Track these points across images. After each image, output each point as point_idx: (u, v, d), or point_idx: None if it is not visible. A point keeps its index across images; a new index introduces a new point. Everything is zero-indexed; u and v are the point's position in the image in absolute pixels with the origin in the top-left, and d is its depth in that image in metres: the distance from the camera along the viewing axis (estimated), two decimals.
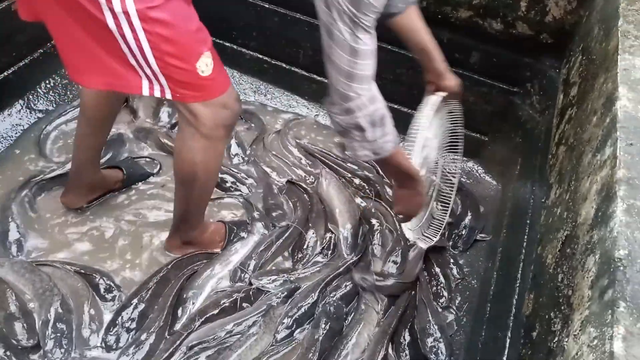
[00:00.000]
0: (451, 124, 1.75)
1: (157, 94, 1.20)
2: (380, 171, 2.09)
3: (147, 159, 2.00)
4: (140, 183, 1.91)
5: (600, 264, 0.81)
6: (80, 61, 1.21)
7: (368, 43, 1.12)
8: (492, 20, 1.85)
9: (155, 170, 1.97)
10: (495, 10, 1.82)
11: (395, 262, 1.80)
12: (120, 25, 1.07)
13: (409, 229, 1.69)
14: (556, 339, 0.86)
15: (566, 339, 0.82)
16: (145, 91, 1.20)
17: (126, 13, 1.05)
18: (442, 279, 1.77)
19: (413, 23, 1.49)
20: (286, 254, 1.79)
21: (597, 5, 1.58)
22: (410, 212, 1.57)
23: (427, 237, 1.74)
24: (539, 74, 1.91)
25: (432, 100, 1.58)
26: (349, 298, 1.69)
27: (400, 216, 1.61)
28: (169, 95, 1.21)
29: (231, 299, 1.62)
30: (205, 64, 1.18)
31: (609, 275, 0.76)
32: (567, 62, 1.72)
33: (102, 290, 1.60)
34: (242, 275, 1.70)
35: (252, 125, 2.24)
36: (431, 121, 1.57)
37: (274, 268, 1.75)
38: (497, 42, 1.90)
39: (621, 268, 0.75)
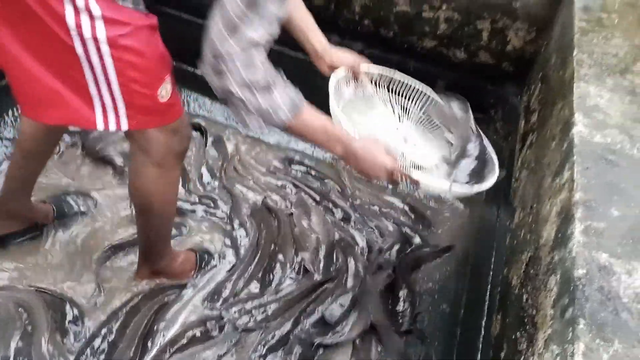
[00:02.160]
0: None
1: (112, 126, 1.18)
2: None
3: (81, 196, 1.91)
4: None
5: (561, 284, 0.84)
6: (34, 94, 1.19)
7: (275, 3, 1.04)
8: (456, 49, 1.92)
9: (89, 209, 1.88)
10: (458, 40, 1.89)
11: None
12: (87, 51, 1.07)
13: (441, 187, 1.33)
14: (522, 357, 0.89)
15: (531, 358, 0.84)
16: (100, 125, 1.18)
17: (95, 39, 1.05)
18: (407, 304, 1.79)
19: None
20: (256, 278, 1.78)
21: (554, 36, 1.66)
22: (376, 174, 1.26)
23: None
24: (501, 101, 1.98)
25: (331, 82, 1.47)
26: (323, 324, 1.68)
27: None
28: (124, 126, 1.19)
29: (202, 328, 1.60)
30: (165, 90, 1.19)
31: (569, 294, 0.79)
32: (528, 89, 1.80)
33: (67, 320, 1.56)
34: (214, 304, 1.69)
35: (222, 150, 2.25)
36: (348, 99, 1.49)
37: (244, 296, 1.73)
38: (462, 70, 1.97)
39: (580, 287, 0.78)
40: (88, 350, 1.50)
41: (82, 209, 1.86)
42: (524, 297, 1.02)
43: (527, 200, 1.31)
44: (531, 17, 1.76)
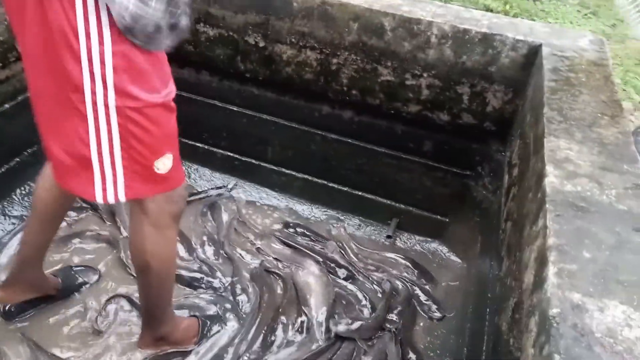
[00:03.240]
0: None
1: (111, 198, 1.25)
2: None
3: (86, 267, 1.99)
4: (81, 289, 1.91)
5: (539, 323, 0.90)
6: (53, 162, 1.30)
7: None
8: (440, 112, 2.04)
9: (94, 280, 1.96)
10: (441, 104, 2.02)
11: None
12: (97, 117, 1.14)
13: None
14: None
15: None
16: (99, 197, 1.25)
17: (106, 106, 1.13)
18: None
19: None
20: (258, 341, 1.81)
21: (528, 96, 1.78)
22: None
23: None
24: (487, 157, 2.08)
25: None
26: None
27: None
28: (122, 197, 1.26)
29: None
30: (163, 164, 1.27)
31: (545, 332, 0.85)
32: (510, 145, 1.90)
33: None
34: None
35: (220, 216, 2.33)
36: None
37: (246, 358, 1.76)
38: (447, 131, 2.08)
39: (555, 325, 0.84)
40: None
41: (85, 280, 1.94)
42: (511, 341, 1.06)
43: (511, 250, 1.37)
44: (506, 79, 1.89)
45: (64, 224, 1.97)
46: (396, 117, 2.10)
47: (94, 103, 1.14)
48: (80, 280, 1.92)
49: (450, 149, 2.13)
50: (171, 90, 1.23)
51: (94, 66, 1.10)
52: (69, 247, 2.08)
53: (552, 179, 1.18)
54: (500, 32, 1.85)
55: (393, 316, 1.95)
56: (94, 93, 1.12)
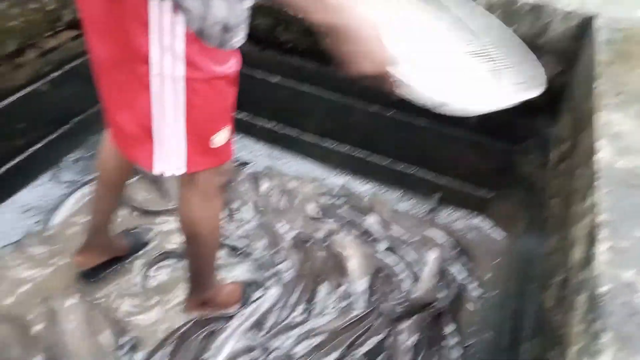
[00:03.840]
0: None
1: (168, 171, 1.27)
2: None
3: (139, 230, 2.08)
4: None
5: (588, 301, 0.89)
6: (116, 130, 1.33)
7: None
8: None
9: (147, 239, 2.05)
10: None
11: None
12: (163, 89, 1.13)
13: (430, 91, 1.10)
14: None
15: None
16: (157, 168, 1.26)
17: (174, 78, 1.11)
18: (456, 337, 1.82)
19: None
20: (299, 308, 1.85)
21: (579, 68, 1.71)
22: (378, 62, 1.05)
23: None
24: (535, 132, 2.02)
25: None
26: (372, 355, 1.73)
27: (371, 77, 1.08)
28: (179, 170, 1.28)
29: (248, 357, 1.68)
30: (219, 138, 1.28)
31: (593, 310, 0.84)
32: (558, 120, 1.84)
33: (124, 349, 1.67)
34: (259, 334, 1.76)
35: (261, 187, 2.36)
36: None
37: (288, 326, 1.80)
38: None
39: (604, 302, 0.83)
40: None
41: (146, 241, 2.04)
42: (556, 318, 1.05)
43: (558, 226, 1.35)
44: (557, 51, 1.82)
45: None
46: None
47: (161, 75, 1.12)
48: (142, 241, 2.03)
49: (496, 122, 2.08)
50: (236, 61, 1.22)
51: (164, 37, 1.07)
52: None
53: (603, 154, 1.15)
54: (551, 2, 1.77)
55: (436, 293, 1.95)
56: (161, 65, 1.10)
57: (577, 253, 1.05)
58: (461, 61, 1.13)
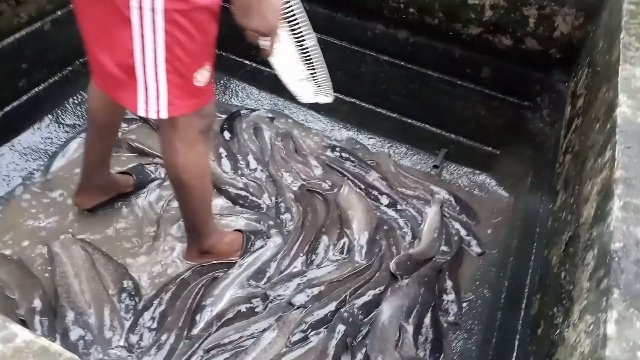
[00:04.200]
0: None
1: (153, 113, 1.23)
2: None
3: (155, 164, 2.07)
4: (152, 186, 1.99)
5: (598, 258, 0.86)
6: (98, 72, 1.28)
7: None
8: (502, 36, 1.91)
9: (153, 176, 2.04)
10: (504, 27, 1.88)
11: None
12: (143, 23, 1.10)
13: (299, 89, 1.41)
14: (558, 330, 0.90)
15: (567, 330, 0.86)
16: (141, 110, 1.23)
17: (152, 10, 1.08)
18: (453, 294, 1.81)
19: None
20: (300, 258, 1.84)
21: (602, 20, 1.63)
22: (269, 25, 1.17)
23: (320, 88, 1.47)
24: (548, 87, 1.96)
25: None
26: (370, 307, 1.72)
27: (260, 41, 1.20)
28: (164, 114, 1.24)
29: (247, 304, 1.68)
30: (202, 75, 1.24)
31: (605, 267, 0.81)
32: (575, 75, 1.77)
33: (124, 293, 1.66)
34: (259, 282, 1.75)
35: (267, 137, 2.31)
36: None
37: (288, 275, 1.79)
38: (507, 57, 1.96)
39: (616, 259, 0.80)
40: (140, 320, 1.61)
41: (156, 175, 2.03)
42: (562, 274, 1.03)
43: (569, 183, 1.31)
44: (579, 2, 1.73)
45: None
46: (455, 40, 1.99)
47: (141, 8, 1.09)
48: (152, 175, 2.02)
49: (509, 77, 2.02)
50: None
51: None
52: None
53: (624, 109, 1.10)
54: None
55: (437, 249, 1.94)
56: None
57: (590, 209, 1.02)
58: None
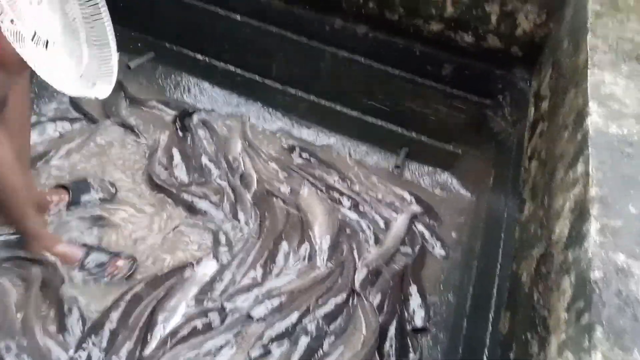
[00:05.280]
0: None
1: None
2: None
3: (107, 182, 1.92)
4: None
5: (576, 286, 0.80)
6: None
7: None
8: (464, 33, 1.86)
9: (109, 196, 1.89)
10: (466, 24, 1.83)
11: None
12: None
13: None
14: None
15: None
16: None
17: None
18: (418, 297, 1.76)
19: None
20: (259, 267, 1.74)
21: (566, 19, 1.60)
22: None
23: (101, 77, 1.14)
24: (510, 86, 1.92)
25: None
26: (333, 317, 1.65)
27: None
28: None
29: (203, 320, 1.58)
30: None
31: (585, 298, 0.75)
32: (538, 75, 1.74)
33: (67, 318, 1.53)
34: (215, 294, 1.66)
35: (221, 138, 2.20)
36: None
37: (246, 285, 1.70)
38: (469, 54, 1.91)
39: (597, 291, 0.74)
40: (89, 339, 1.49)
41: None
42: (535, 296, 0.98)
43: (537, 193, 1.26)
44: None
45: None
46: (415, 36, 1.92)
47: None
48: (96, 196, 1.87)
49: (470, 75, 1.97)
50: None
51: None
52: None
53: (595, 118, 1.05)
54: None
55: (399, 251, 1.89)
56: None
57: (563, 227, 0.97)
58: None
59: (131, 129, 2.12)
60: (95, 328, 1.52)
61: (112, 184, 1.91)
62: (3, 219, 1.54)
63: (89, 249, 1.66)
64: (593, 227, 0.83)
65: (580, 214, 0.89)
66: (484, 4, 1.77)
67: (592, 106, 1.08)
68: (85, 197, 1.83)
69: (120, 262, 1.67)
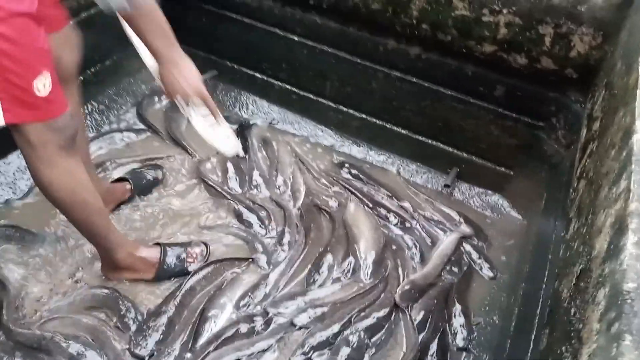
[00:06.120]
0: None
1: None
2: None
3: (152, 166, 2.08)
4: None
5: (609, 297, 0.80)
6: None
7: None
8: (517, 54, 1.86)
9: (161, 176, 2.06)
10: (519, 45, 1.83)
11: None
12: None
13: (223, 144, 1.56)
14: None
15: None
16: None
17: None
18: (462, 317, 1.75)
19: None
20: (303, 277, 1.79)
21: (621, 41, 1.58)
22: (196, 88, 1.43)
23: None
24: (564, 108, 1.90)
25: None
26: (374, 330, 1.67)
27: (181, 98, 1.43)
28: (0, 120, 1.20)
29: (248, 324, 1.64)
30: (43, 85, 1.20)
31: (616, 308, 0.75)
32: (592, 97, 1.71)
33: (123, 317, 1.63)
34: (258, 299, 1.71)
35: (273, 152, 2.28)
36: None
37: (289, 291, 1.75)
38: (522, 76, 1.90)
39: (629, 301, 0.74)
40: (146, 326, 1.60)
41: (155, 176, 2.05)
42: (572, 310, 0.97)
43: (582, 211, 1.25)
44: (597, 21, 1.68)
45: None
46: (468, 57, 1.94)
47: None
48: (149, 177, 2.03)
49: (523, 97, 1.96)
50: (34, 0, 1.16)
51: None
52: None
53: None
54: None
55: (445, 271, 1.89)
56: None
57: (602, 242, 0.96)
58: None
59: (184, 148, 2.24)
60: (154, 315, 1.62)
61: (157, 166, 2.08)
62: (88, 239, 1.62)
63: (162, 246, 1.76)
64: (630, 240, 0.82)
65: (620, 228, 0.89)
66: (537, 26, 1.77)
67: (639, 125, 1.07)
68: (144, 183, 1.99)
69: (197, 250, 1.79)
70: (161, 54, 1.38)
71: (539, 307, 1.38)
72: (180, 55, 1.41)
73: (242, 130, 2.33)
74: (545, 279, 1.45)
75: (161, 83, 1.44)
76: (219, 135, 1.55)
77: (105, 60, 2.34)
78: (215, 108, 1.51)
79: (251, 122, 2.41)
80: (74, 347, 1.51)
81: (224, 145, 1.57)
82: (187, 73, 1.41)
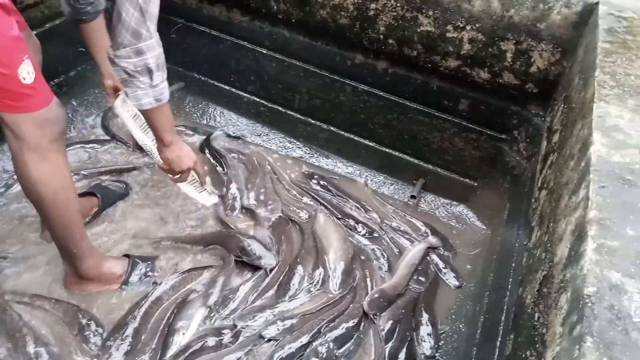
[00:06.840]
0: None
1: None
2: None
3: (116, 182, 2.05)
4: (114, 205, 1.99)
5: (571, 301, 0.83)
6: None
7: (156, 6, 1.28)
8: (480, 69, 1.92)
9: (127, 189, 2.05)
10: (482, 60, 1.89)
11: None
12: None
13: (205, 194, 1.89)
14: None
15: None
16: None
17: None
18: (429, 326, 1.77)
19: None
20: (273, 289, 1.79)
21: (578, 57, 1.65)
22: (189, 165, 1.68)
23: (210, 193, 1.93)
24: (525, 121, 1.96)
25: (119, 101, 1.90)
26: (343, 340, 1.67)
27: (178, 177, 1.72)
28: None
29: (216, 337, 1.62)
30: (27, 72, 1.19)
31: (578, 312, 0.78)
32: (551, 110, 1.78)
33: (85, 330, 1.59)
34: (227, 312, 1.69)
35: (245, 166, 2.28)
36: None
37: (260, 306, 1.74)
38: (485, 90, 1.96)
39: (589, 304, 0.77)
40: (110, 343, 1.56)
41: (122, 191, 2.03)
42: (536, 315, 1.00)
43: (544, 220, 1.29)
44: (556, 38, 1.75)
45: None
46: (433, 72, 1.99)
47: None
48: (115, 190, 2.02)
49: (486, 110, 2.02)
50: None
51: None
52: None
53: (598, 147, 1.09)
54: None
55: (412, 281, 1.91)
56: None
57: (564, 249, 1.00)
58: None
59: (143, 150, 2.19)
60: (119, 327, 1.59)
61: (122, 182, 2.06)
62: (59, 244, 1.56)
63: (131, 259, 1.74)
64: (590, 246, 0.86)
65: (580, 235, 0.92)
66: (499, 42, 1.84)
67: (596, 136, 1.12)
68: (111, 197, 1.98)
69: (164, 263, 1.79)
70: (168, 141, 1.58)
71: (504, 314, 1.41)
72: (179, 139, 1.63)
73: (209, 143, 2.32)
74: (509, 287, 1.49)
75: (161, 160, 1.68)
76: (203, 195, 1.89)
77: (69, 71, 2.31)
78: (205, 177, 1.83)
79: (218, 134, 2.40)
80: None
81: (205, 201, 1.92)
82: (186, 153, 1.66)
